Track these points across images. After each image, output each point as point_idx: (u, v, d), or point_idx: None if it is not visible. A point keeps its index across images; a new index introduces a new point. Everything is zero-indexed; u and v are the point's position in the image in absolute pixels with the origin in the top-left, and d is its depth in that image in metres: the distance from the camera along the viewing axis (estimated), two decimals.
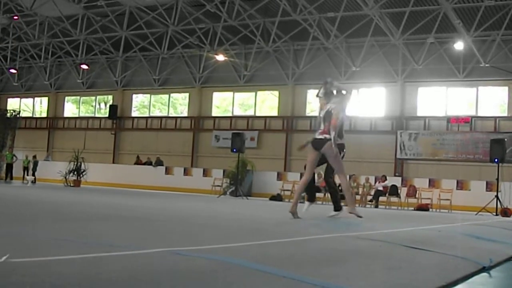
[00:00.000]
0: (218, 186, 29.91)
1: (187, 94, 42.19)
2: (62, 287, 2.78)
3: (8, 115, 40.54)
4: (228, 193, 28.58)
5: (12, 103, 49.81)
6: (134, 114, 44.46)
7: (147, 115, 43.39)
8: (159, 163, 36.03)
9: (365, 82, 35.10)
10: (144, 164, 37.06)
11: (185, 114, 41.94)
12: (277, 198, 27.19)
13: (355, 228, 8.84)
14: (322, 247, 5.65)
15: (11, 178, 35.02)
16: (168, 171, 34.73)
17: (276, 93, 38.94)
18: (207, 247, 4.62)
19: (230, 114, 40.40)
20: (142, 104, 45.07)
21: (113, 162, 41.93)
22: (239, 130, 33.11)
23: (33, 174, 35.36)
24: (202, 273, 3.41)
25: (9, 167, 35.41)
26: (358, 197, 26.30)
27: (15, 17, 39.55)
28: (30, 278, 2.89)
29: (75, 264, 3.49)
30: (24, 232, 5.59)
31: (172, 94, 42.90)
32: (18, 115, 41.36)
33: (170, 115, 42.67)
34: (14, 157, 35.95)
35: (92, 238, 5.16)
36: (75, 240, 4.86)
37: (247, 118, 39.30)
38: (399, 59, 34.35)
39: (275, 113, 38.87)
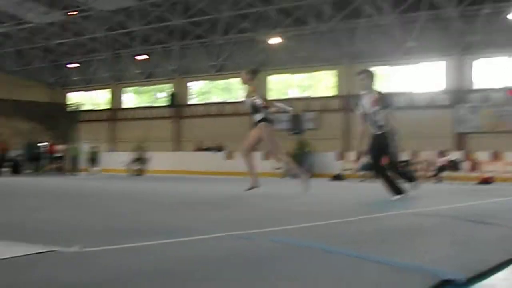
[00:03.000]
0: (279, 168, 29.95)
1: None
2: (136, 272, 2.91)
3: (71, 108, 41.32)
4: (289, 175, 28.60)
5: (74, 97, 50.72)
6: (193, 101, 44.83)
7: (206, 101, 43.68)
8: (219, 148, 36.28)
9: (421, 57, 34.66)
10: (205, 150, 37.35)
11: (243, 99, 42.05)
12: (338, 177, 27.16)
13: (417, 204, 8.83)
14: (386, 225, 5.71)
15: (77, 170, 35.72)
16: (229, 156, 34.93)
17: (333, 72, 38.75)
18: (272, 229, 4.69)
19: (287, 96, 40.35)
20: (200, 91, 45.43)
21: (175, 150, 42.39)
22: (297, 111, 33.06)
23: (97, 165, 35.95)
24: (268, 256, 3.50)
25: (75, 159, 36.09)
26: (419, 173, 26.04)
27: (72, 13, 40.22)
28: (101, 266, 3.00)
29: (144, 251, 3.61)
30: (96, 221, 5.78)
31: (229, 80, 43.08)
32: (80, 109, 42.10)
33: (228, 101, 42.88)
34: (79, 149, 36.61)
35: (161, 225, 5.29)
36: (143, 228, 5.04)
37: (305, 99, 39.19)
38: (455, 32, 33.81)
39: (332, 93, 38.67)
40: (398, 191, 9.93)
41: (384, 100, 10.18)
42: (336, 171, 28.62)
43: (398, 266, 3.18)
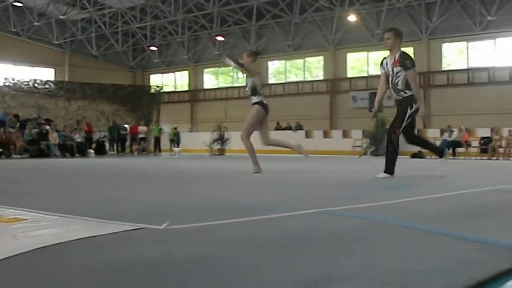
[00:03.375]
0: (358, 146, 29.87)
1: (321, 57, 42.21)
2: (221, 248, 2.99)
3: (152, 91, 42.05)
4: (368, 153, 28.49)
5: (155, 79, 51.54)
6: (271, 81, 44.94)
7: (283, 81, 43.74)
8: (298, 127, 36.34)
9: (502, 31, 33.81)
10: (284, 129, 37.43)
11: (321, 77, 41.99)
12: (418, 155, 26.82)
13: (501, 181, 8.70)
14: (471, 202, 5.64)
15: (159, 151, 36.34)
16: (308, 134, 34.94)
17: (411, 49, 38.14)
18: (357, 206, 4.76)
19: (365, 74, 40.03)
20: (278, 71, 45.50)
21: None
22: (376, 90, 32.78)
23: (178, 145, 36.44)
24: (355, 232, 3.53)
25: (157, 140, 36.71)
26: (501, 150, 25.57)
27: None
28: (190, 243, 3.14)
29: (232, 227, 3.68)
30: (180, 200, 5.92)
31: (306, 58, 43.04)
32: (161, 90, 42.77)
33: (306, 79, 42.82)
34: (161, 130, 37.20)
35: (248, 202, 5.40)
36: (229, 205, 5.11)
37: None
38: None
39: None
40: (389, 170, 9.36)
41: (405, 61, 9.40)
42: (416, 148, 28.22)
43: (483, 243, 3.10)
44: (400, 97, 9.42)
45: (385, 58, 9.88)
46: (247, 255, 2.81)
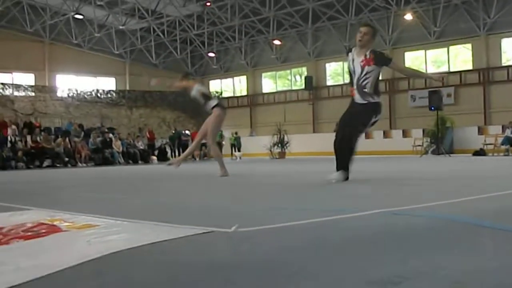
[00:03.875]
0: (419, 146, 29.54)
1: None
2: (292, 250, 2.99)
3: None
4: (429, 152, 28.14)
5: (214, 85, 51.86)
6: (329, 82, 44.81)
7: (341, 82, 43.49)
8: None
9: None
10: None
11: (380, 78, 41.58)
12: (480, 153, 26.44)
13: None
14: None
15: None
16: (367, 135, 34.63)
17: (469, 46, 37.67)
18: (421, 206, 4.72)
19: None
20: (335, 72, 45.35)
21: (314, 132, 42.50)
22: (435, 88, 32.45)
23: (239, 150, 36.60)
24: (422, 231, 3.53)
25: (218, 145, 36.86)
26: None
27: (208, 4, 41.12)
28: (260, 246, 3.16)
29: (301, 229, 3.68)
30: (247, 202, 5.99)
31: None
32: (220, 96, 43.02)
33: None
34: (222, 136, 37.41)
35: (313, 204, 5.40)
36: (295, 207, 5.13)
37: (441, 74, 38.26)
38: None
39: (469, 67, 37.62)
40: (345, 167, 8.27)
41: (380, 56, 8.45)
42: (478, 146, 27.80)
43: None
44: (366, 102, 8.39)
45: (350, 51, 8.67)
46: (318, 256, 2.81)
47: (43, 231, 3.71)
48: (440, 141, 27.46)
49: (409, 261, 2.63)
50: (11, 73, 42.12)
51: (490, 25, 35.74)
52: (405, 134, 33.17)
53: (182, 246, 3.12)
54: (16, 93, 33.96)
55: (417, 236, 3.34)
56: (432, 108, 27.21)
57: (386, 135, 34.43)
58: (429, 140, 29.24)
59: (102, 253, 2.92)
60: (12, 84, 35.33)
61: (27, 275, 2.62)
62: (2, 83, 33.73)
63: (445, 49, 38.77)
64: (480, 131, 30.55)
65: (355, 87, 8.48)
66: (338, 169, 8.26)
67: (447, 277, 2.35)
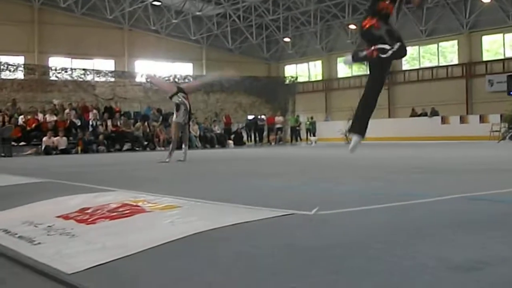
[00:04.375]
0: (497, 131, 28.80)
1: (455, 42, 41.03)
2: (372, 232, 3.00)
3: (287, 81, 42.26)
4: (507, 137, 27.43)
5: (289, 70, 51.76)
6: (405, 67, 44.14)
7: (417, 67, 42.80)
8: (434, 113, 35.46)
9: None
10: (420, 115, 36.64)
11: (456, 62, 40.82)
12: None
13: None
14: None
15: (297, 140, 36.50)
16: (444, 120, 34.03)
17: None
18: (502, 191, 4.62)
19: (501, 57, 38.58)
20: (411, 57, 44.60)
21: (389, 117, 41.98)
22: None
23: (314, 135, 36.47)
24: (501, 216, 3.47)
25: (293, 129, 36.88)
26: None
27: None
28: (340, 228, 3.15)
29: (379, 212, 3.70)
30: (328, 187, 5.94)
31: (440, 43, 41.93)
32: (296, 81, 42.90)
33: (440, 65, 41.77)
34: (298, 121, 37.36)
35: (391, 188, 5.35)
36: (373, 191, 5.13)
37: None
38: None
39: None
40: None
41: None
42: None
43: None
44: None
45: None
46: (398, 240, 2.81)
47: (128, 211, 3.78)
48: None
49: (490, 247, 2.60)
50: (92, 59, 42.92)
51: None
52: (482, 119, 32.36)
53: (264, 228, 3.14)
54: (97, 79, 34.51)
55: (497, 222, 3.30)
56: (511, 93, 26.55)
57: (462, 120, 33.68)
58: (507, 125, 28.48)
59: (186, 234, 2.96)
60: (93, 70, 35.93)
61: (113, 254, 2.69)
62: (83, 69, 34.31)
63: None
64: None
65: None
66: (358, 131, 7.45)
67: None
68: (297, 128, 36.99)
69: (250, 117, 36.48)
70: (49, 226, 3.47)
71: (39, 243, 3.06)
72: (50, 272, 2.52)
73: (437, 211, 3.72)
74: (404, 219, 3.39)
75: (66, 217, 3.74)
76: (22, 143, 24.94)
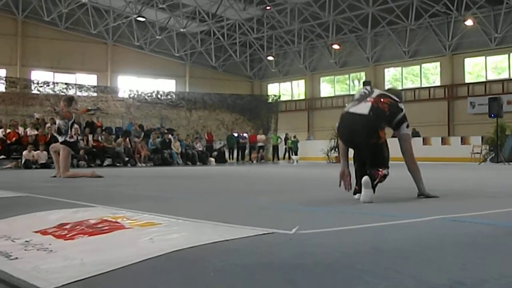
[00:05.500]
0: (478, 153, 28.99)
1: (438, 63, 41.42)
2: (352, 253, 2.98)
3: (270, 100, 42.42)
4: (488, 159, 27.61)
5: (272, 88, 51.95)
6: (387, 87, 44.31)
7: (399, 88, 43.07)
8: (415, 134, 35.65)
9: None
10: None
11: (438, 83, 41.16)
12: None
13: None
14: None
15: (278, 159, 36.58)
16: (425, 141, 34.22)
17: None
18: (482, 213, 4.64)
19: (483, 79, 38.97)
20: (394, 77, 44.96)
21: None
22: (495, 95, 31.92)
23: (296, 153, 36.57)
24: (481, 238, 3.48)
25: (275, 148, 36.99)
26: None
27: (268, 8, 41.24)
28: (320, 248, 3.15)
29: (360, 232, 3.70)
30: (308, 206, 5.91)
31: (423, 65, 42.29)
32: (278, 99, 43.08)
33: (422, 86, 42.10)
34: (279, 139, 37.46)
35: (372, 209, 5.35)
36: (354, 212, 5.10)
37: (502, 81, 37.71)
38: None
39: None
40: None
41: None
42: None
43: None
44: None
45: None
46: (377, 260, 2.80)
47: (106, 227, 3.77)
48: (499, 149, 26.93)
49: (470, 268, 2.61)
50: (74, 73, 42.92)
51: None
52: (463, 141, 32.58)
53: (244, 247, 3.13)
54: (79, 93, 34.50)
55: (477, 243, 3.31)
56: (492, 115, 26.72)
57: (444, 141, 33.90)
58: (488, 147, 28.68)
59: (165, 251, 2.95)
60: (76, 84, 35.94)
61: (91, 270, 2.67)
62: (66, 83, 34.33)
63: (506, 55, 38.08)
64: None
65: None
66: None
67: (508, 284, 2.33)
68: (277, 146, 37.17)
69: (235, 134, 36.57)
70: (26, 241, 3.45)
71: (16, 258, 3.04)
72: None
73: (417, 232, 3.73)
74: (384, 240, 3.39)
75: (44, 232, 3.72)
76: (2, 156, 24.83)
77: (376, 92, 6.71)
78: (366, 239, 3.41)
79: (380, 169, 6.24)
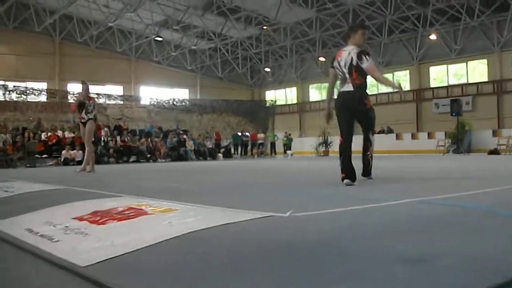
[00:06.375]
0: (442, 146, 28.96)
1: (407, 71, 41.36)
2: (338, 231, 3.00)
3: (267, 104, 42.39)
4: (451, 151, 27.60)
5: (269, 95, 51.85)
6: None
7: (375, 92, 42.98)
8: (390, 131, 35.65)
9: None
10: (378, 133, 36.76)
11: (408, 88, 41.11)
12: (494, 152, 25.83)
13: None
14: None
15: (275, 153, 36.55)
16: (398, 137, 34.20)
17: (485, 61, 36.85)
18: (447, 196, 4.64)
19: (446, 84, 38.96)
20: (371, 84, 44.62)
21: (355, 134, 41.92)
22: (456, 97, 31.92)
23: (290, 148, 36.52)
24: (445, 217, 3.47)
25: (273, 145, 36.96)
26: None
27: (265, 27, 41.20)
28: (310, 227, 3.15)
29: (346, 214, 3.67)
30: (300, 192, 5.93)
31: (395, 73, 42.21)
32: (275, 104, 43.03)
33: (395, 91, 41.79)
34: (276, 137, 37.41)
35: (354, 194, 5.35)
36: (340, 196, 5.10)
37: (461, 85, 37.69)
38: None
39: (485, 79, 36.84)
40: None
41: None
42: (492, 146, 27.12)
43: None
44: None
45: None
46: (361, 237, 2.81)
47: (132, 214, 3.76)
48: (460, 142, 26.92)
49: (436, 243, 2.62)
50: (104, 85, 42.77)
51: (503, 43, 34.91)
52: (429, 136, 32.50)
53: (247, 228, 3.13)
54: (108, 101, 34.42)
55: (443, 221, 3.30)
56: (454, 114, 26.72)
57: (413, 137, 33.83)
58: (450, 141, 28.63)
59: (182, 232, 2.95)
60: (105, 94, 35.83)
61: (120, 250, 2.67)
62: (97, 93, 34.24)
63: (464, 64, 37.98)
64: (494, 133, 29.71)
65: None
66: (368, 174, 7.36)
67: (467, 256, 2.35)
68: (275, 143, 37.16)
69: (239, 133, 36.56)
70: (66, 226, 3.45)
71: (57, 240, 3.04)
72: (67, 265, 2.52)
73: (393, 213, 3.73)
74: (366, 220, 3.39)
75: (80, 219, 3.71)
76: (45, 155, 24.84)
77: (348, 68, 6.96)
78: (350, 220, 3.41)
79: (370, 149, 7.40)
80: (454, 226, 3.12)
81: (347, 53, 6.95)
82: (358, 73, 6.87)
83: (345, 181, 6.51)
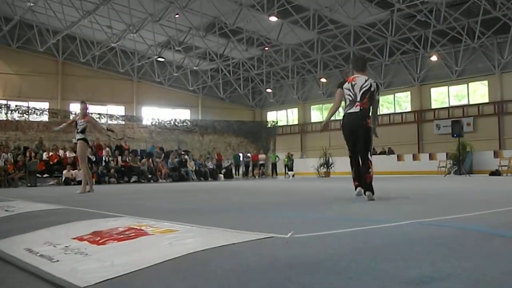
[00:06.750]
0: (443, 167, 28.96)
1: (408, 92, 41.47)
2: (339, 253, 2.99)
3: (269, 125, 42.47)
4: (452, 172, 27.58)
5: (271, 115, 51.96)
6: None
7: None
8: (391, 152, 35.67)
9: None
10: (379, 154, 36.82)
11: (409, 109, 41.20)
12: (495, 173, 25.82)
13: None
14: None
15: (276, 174, 36.54)
16: (399, 158, 34.23)
17: (486, 82, 36.97)
18: (447, 218, 4.63)
19: (447, 105, 39.02)
20: None
21: None
22: (457, 118, 31.97)
23: (291, 169, 36.55)
24: (447, 239, 3.46)
25: (274, 165, 36.99)
26: None
27: (266, 48, 41.37)
28: (311, 249, 3.14)
29: (345, 236, 3.68)
30: (302, 214, 5.93)
31: (396, 94, 42.34)
32: (276, 125, 43.12)
33: (396, 112, 42.11)
34: (277, 158, 37.43)
35: (354, 215, 5.34)
36: (340, 218, 5.10)
37: (462, 106, 37.75)
38: None
39: (486, 100, 36.93)
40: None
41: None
42: (493, 167, 27.13)
43: None
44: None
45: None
46: (359, 259, 2.79)
47: (133, 234, 3.75)
48: (461, 163, 26.92)
49: (437, 264, 2.60)
50: (106, 105, 42.93)
51: (504, 64, 35.06)
52: (431, 157, 32.52)
53: (247, 249, 3.12)
54: (109, 122, 34.57)
55: (443, 243, 3.28)
56: (455, 135, 26.74)
57: (414, 158, 33.87)
58: (451, 162, 28.64)
59: (182, 254, 2.94)
60: (107, 114, 36.01)
61: (120, 270, 2.67)
62: (98, 113, 34.39)
63: (465, 85, 38.11)
64: (496, 154, 29.74)
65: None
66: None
67: (470, 278, 2.33)
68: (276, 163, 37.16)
69: (240, 154, 36.63)
70: (66, 246, 3.44)
71: (57, 260, 3.03)
72: (66, 286, 2.50)
73: (395, 234, 3.72)
74: (367, 241, 3.38)
75: (80, 239, 3.71)
76: (46, 175, 24.87)
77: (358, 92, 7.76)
78: (349, 242, 3.39)
79: (369, 170, 7.66)
80: (456, 248, 3.11)
81: (364, 80, 7.77)
82: (368, 99, 7.69)
83: (358, 189, 7.80)
